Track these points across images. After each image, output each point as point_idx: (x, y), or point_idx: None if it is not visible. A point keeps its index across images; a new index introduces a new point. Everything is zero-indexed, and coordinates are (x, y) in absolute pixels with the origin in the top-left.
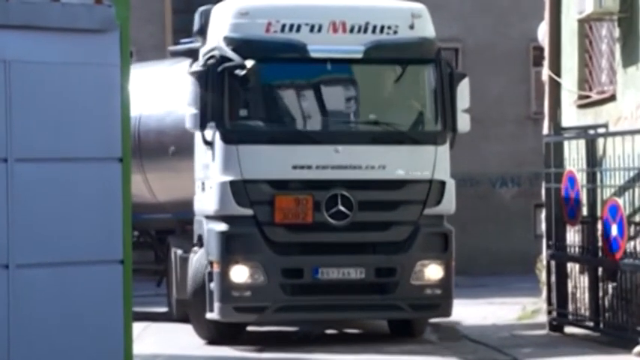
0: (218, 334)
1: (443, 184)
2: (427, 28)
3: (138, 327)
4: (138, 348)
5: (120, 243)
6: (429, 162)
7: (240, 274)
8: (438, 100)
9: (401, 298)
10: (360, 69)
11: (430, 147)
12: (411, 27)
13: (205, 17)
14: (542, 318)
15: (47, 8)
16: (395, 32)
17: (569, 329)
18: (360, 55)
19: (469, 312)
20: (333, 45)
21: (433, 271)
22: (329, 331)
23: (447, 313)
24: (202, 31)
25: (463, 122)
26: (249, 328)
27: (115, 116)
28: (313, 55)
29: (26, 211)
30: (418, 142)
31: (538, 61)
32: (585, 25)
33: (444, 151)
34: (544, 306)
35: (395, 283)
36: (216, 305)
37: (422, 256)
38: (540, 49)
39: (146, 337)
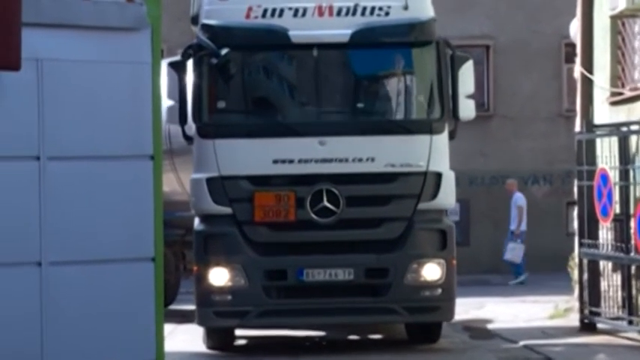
0: (211, 340)
1: (439, 176)
2: (423, 8)
3: (170, 325)
4: (169, 346)
5: (151, 241)
6: (423, 152)
7: (219, 276)
8: (435, 85)
9: (395, 300)
10: (348, 54)
11: (424, 136)
12: (405, 7)
13: (198, 5)
14: (575, 316)
15: (79, 6)
16: (387, 14)
17: (601, 327)
18: (346, 40)
19: (501, 310)
20: (318, 30)
21: (430, 271)
22: (351, 337)
23: (448, 317)
24: (195, 20)
25: (466, 109)
26: (276, 333)
27: (146, 114)
28: (295, 40)
29: (59, 209)
30: (410, 131)
31: (570, 58)
32: (618, 21)
33: (440, 140)
34: (576, 304)
35: (387, 284)
36: (196, 310)
37: (417, 254)
38: (572, 46)
39: (178, 334)
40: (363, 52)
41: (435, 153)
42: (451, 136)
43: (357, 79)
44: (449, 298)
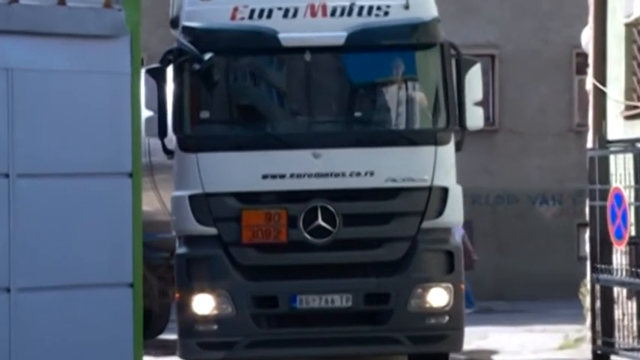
0: None
1: (445, 191)
2: (426, 8)
3: (148, 357)
4: None
5: (129, 265)
6: (427, 165)
7: (203, 304)
8: (439, 92)
9: (397, 329)
10: (343, 59)
11: (428, 148)
12: (406, 7)
13: (178, 6)
14: (587, 347)
15: (53, 12)
16: (386, 14)
17: (615, 359)
18: (341, 43)
19: (507, 340)
20: (310, 32)
21: (436, 296)
22: None
23: (456, 347)
24: (175, 23)
25: (474, 117)
26: None
27: (125, 128)
28: (285, 44)
29: (29, 231)
30: (413, 142)
31: (582, 69)
32: (633, 29)
33: (446, 152)
34: (588, 334)
35: (389, 311)
36: (178, 341)
37: (421, 278)
38: (584, 56)
39: None
40: (360, 56)
41: (440, 166)
42: (457, 147)
43: (354, 85)
44: (457, 327)
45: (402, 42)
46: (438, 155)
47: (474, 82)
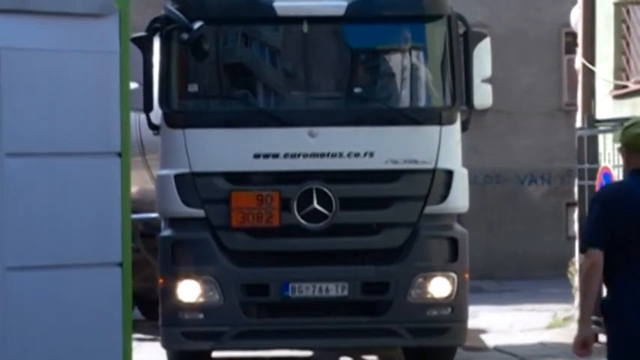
0: None
1: (450, 174)
2: None
3: (138, 336)
4: (137, 358)
5: (118, 244)
6: (431, 147)
7: (189, 291)
8: (445, 67)
9: (396, 320)
10: (343, 30)
11: (433, 127)
12: None
13: None
14: (575, 326)
15: None
16: None
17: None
18: (341, 13)
19: (495, 319)
20: (308, 0)
21: (438, 286)
22: (344, 359)
23: (459, 340)
24: None
25: (482, 95)
26: (257, 354)
27: (114, 107)
28: (281, 13)
29: (17, 210)
30: (416, 121)
31: (571, 49)
32: (622, 8)
33: (452, 132)
34: (576, 313)
35: (388, 301)
36: (161, 330)
37: (423, 267)
38: (573, 35)
39: (147, 347)
40: (361, 28)
41: (444, 147)
42: (464, 127)
43: (353, 59)
44: (460, 319)
45: (406, 13)
46: (442, 136)
47: (483, 57)
